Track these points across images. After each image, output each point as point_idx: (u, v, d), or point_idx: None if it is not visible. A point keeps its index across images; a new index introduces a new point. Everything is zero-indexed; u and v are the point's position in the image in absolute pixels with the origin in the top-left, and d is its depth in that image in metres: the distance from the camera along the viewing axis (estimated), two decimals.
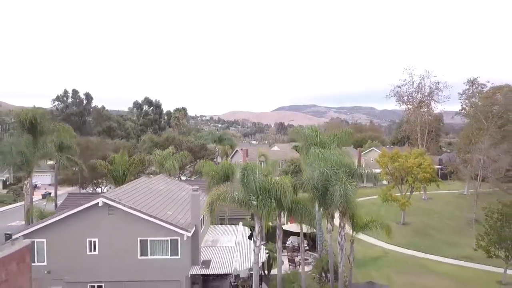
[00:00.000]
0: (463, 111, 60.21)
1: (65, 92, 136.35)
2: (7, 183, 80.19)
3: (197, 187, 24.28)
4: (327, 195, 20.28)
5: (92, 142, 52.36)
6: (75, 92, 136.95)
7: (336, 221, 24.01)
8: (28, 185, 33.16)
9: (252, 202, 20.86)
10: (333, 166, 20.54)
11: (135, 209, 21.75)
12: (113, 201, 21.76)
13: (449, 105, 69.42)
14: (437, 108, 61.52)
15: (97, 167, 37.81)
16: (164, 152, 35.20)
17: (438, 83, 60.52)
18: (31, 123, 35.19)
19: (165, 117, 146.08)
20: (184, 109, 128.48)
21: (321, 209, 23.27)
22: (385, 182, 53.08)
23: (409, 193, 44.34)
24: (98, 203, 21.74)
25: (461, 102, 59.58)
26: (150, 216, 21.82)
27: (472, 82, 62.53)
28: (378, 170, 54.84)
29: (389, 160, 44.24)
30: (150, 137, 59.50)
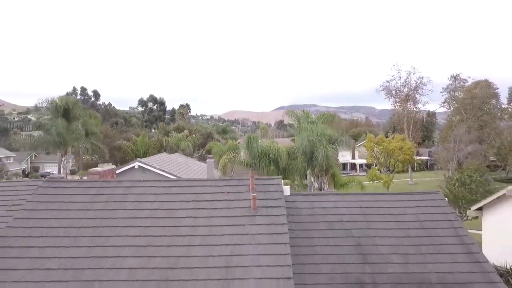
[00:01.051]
0: (445, 103, 66.34)
1: (74, 89, 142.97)
2: (26, 172, 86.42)
3: (212, 155, 30.29)
4: (313, 158, 26.29)
5: (110, 131, 58.44)
6: (83, 89, 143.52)
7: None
8: (65, 161, 39.29)
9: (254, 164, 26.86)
10: (318, 135, 26.55)
11: (164, 171, 27.74)
12: (147, 164, 27.81)
13: (436, 104, 75.07)
14: (421, 100, 67.69)
15: (122, 148, 43.63)
16: (179, 134, 41.16)
17: (422, 78, 66.79)
18: (65, 109, 41.36)
19: (168, 116, 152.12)
20: (187, 105, 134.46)
21: (309, 169, 29.14)
22: (375, 166, 59.08)
23: (392, 174, 50.34)
24: (134, 166, 27.76)
25: (442, 95, 65.84)
26: (175, 176, 27.79)
27: (455, 77, 68.62)
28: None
29: (374, 145, 50.22)
30: (162, 125, 65.84)
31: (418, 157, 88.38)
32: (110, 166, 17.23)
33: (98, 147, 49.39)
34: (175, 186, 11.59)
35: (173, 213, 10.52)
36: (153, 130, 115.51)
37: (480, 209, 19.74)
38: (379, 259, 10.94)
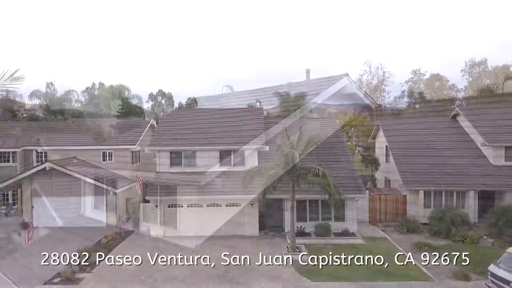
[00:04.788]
0: (405, 92, 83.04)
1: (93, 84, 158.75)
2: None
3: None
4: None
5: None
6: (101, 84, 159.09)
7: None
8: None
9: None
10: (293, 105, 43.30)
11: None
12: None
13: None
14: (385, 90, 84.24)
15: None
16: None
17: (385, 72, 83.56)
18: (119, 92, 58.32)
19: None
20: (195, 99, 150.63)
21: None
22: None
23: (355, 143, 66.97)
24: None
25: (402, 85, 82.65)
26: None
27: (415, 71, 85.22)
28: None
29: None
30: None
31: None
32: None
33: None
34: (219, 112, 28.45)
35: (218, 122, 27.32)
36: None
37: (374, 139, 36.48)
38: None
